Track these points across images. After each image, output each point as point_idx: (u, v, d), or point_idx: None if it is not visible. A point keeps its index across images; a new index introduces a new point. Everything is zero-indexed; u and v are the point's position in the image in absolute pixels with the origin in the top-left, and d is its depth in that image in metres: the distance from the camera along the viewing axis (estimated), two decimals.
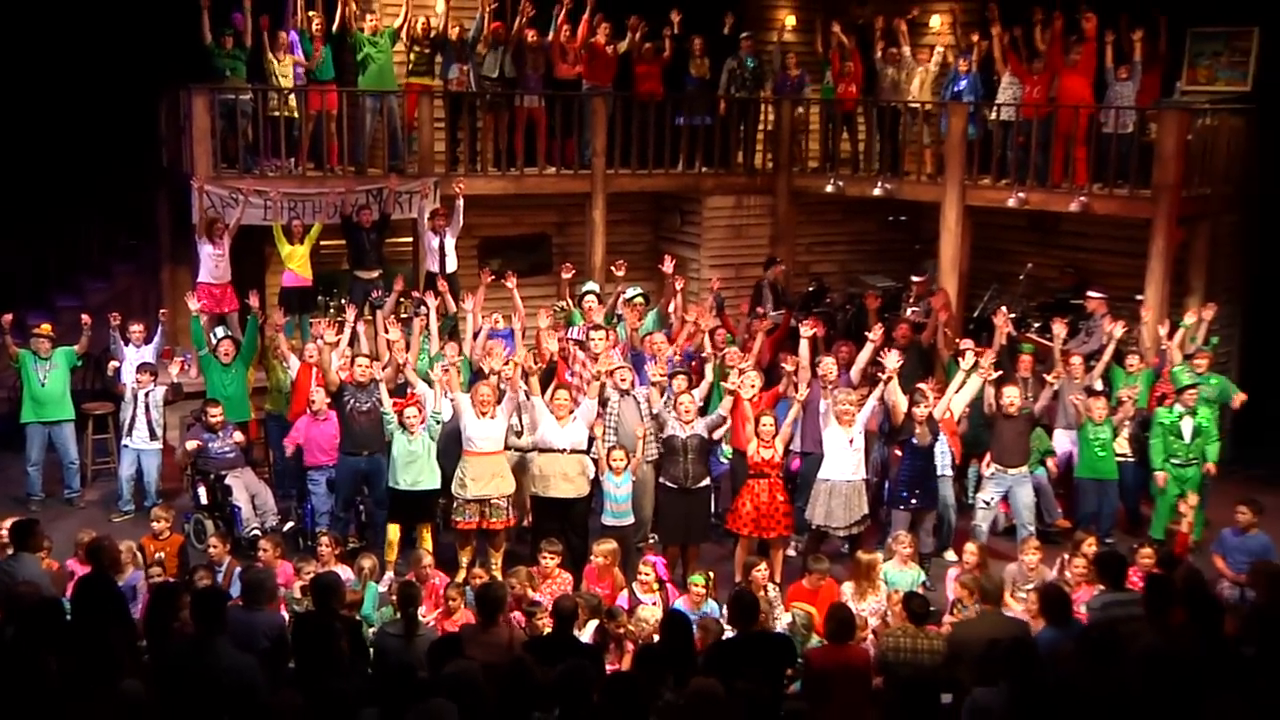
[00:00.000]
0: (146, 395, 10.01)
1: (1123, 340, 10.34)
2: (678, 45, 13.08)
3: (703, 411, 9.06)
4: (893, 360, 8.82)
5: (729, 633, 6.82)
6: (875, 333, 9.49)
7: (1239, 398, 10.36)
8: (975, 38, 12.73)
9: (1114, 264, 12.23)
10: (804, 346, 9.26)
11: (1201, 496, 9.68)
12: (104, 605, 6.46)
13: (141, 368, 10.11)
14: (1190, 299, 11.36)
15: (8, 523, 7.50)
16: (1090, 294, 11.46)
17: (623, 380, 9.15)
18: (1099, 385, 9.99)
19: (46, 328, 10.45)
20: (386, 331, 9.84)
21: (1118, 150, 11.30)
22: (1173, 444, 9.62)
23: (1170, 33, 11.61)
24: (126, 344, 10.46)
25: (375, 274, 11.53)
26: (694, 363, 9.99)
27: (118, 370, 10.41)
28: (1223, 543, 8.69)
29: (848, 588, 7.91)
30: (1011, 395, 9.34)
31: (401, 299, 11.13)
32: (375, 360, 9.57)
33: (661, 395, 8.99)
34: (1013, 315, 10.93)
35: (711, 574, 7.95)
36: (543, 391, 8.98)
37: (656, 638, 6.73)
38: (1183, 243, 11.36)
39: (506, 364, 9.17)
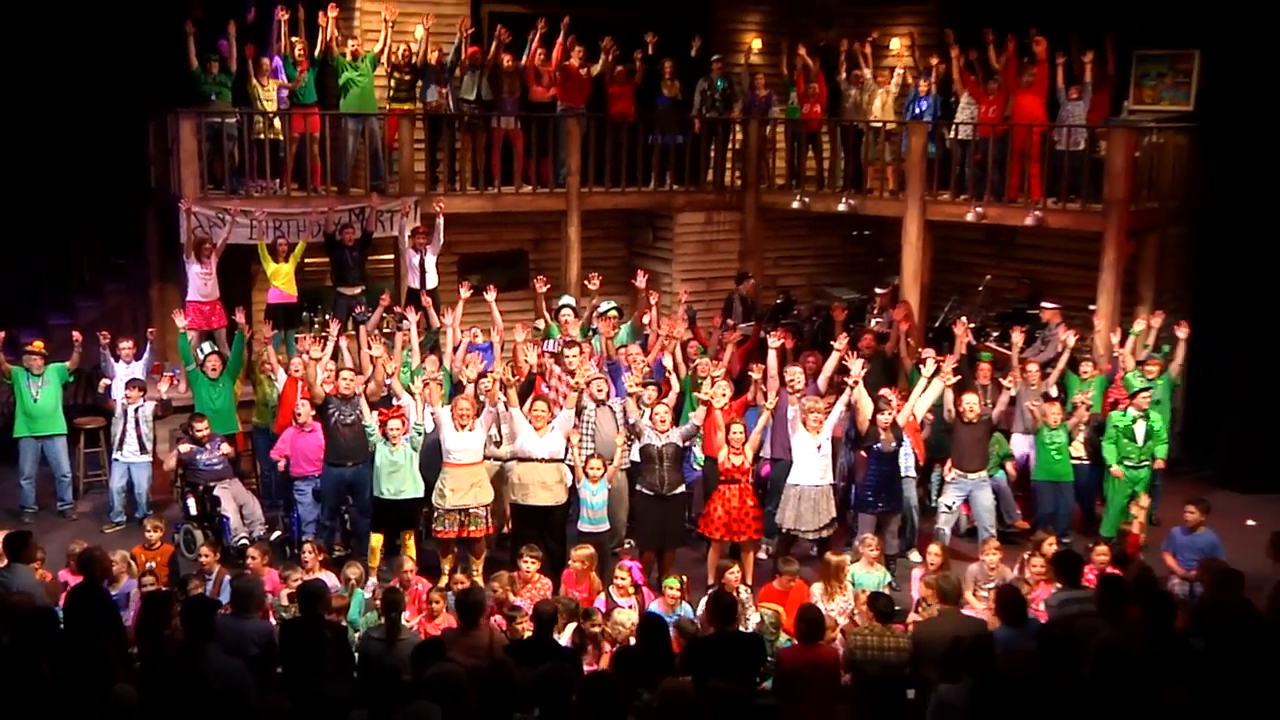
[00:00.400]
0: (136, 410, 10.15)
1: (1076, 348, 10.57)
2: (648, 67, 13.27)
3: (674, 421, 9.25)
4: (857, 366, 9.03)
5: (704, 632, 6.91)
6: (840, 342, 9.61)
7: (1177, 365, 10.75)
8: (934, 60, 12.96)
9: (1067, 275, 12.50)
10: (772, 357, 9.41)
11: (1152, 497, 9.97)
12: (96, 614, 6.52)
13: (131, 383, 10.25)
14: (1140, 308, 11.64)
15: (1, 535, 7.55)
16: (1045, 304, 11.72)
17: (599, 390, 9.34)
18: (1054, 391, 10.19)
19: (39, 345, 10.56)
20: (369, 347, 9.97)
21: (1070, 166, 11.56)
22: (1125, 446, 9.83)
23: (1117, 55, 11.87)
24: (116, 360, 10.57)
25: (358, 290, 11.71)
26: (666, 374, 10.13)
27: (109, 387, 10.53)
28: (1172, 541, 8.91)
29: (817, 589, 8.06)
30: (971, 402, 9.51)
31: (385, 314, 11.31)
32: (358, 374, 9.72)
33: (638, 405, 9.14)
34: (972, 325, 11.14)
35: (685, 577, 8.08)
36: (521, 403, 9.14)
37: (634, 640, 6.84)
38: (1132, 254, 11.64)
39: (484, 377, 9.34)
